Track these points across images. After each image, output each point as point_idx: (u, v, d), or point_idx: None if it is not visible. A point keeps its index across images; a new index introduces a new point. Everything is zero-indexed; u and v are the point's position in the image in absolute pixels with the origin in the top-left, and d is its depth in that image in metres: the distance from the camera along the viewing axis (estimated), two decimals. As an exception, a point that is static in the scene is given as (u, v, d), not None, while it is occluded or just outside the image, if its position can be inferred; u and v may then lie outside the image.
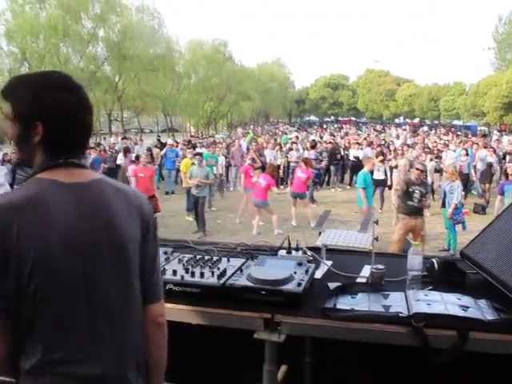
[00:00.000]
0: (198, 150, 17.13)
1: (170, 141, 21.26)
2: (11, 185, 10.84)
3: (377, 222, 2.66)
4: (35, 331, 1.36)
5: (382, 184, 12.95)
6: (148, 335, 1.57)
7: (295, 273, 2.27)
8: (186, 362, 2.45)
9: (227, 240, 3.62)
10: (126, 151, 16.55)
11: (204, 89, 40.86)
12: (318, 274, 2.52)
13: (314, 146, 16.48)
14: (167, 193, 16.30)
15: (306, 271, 2.33)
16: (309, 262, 2.53)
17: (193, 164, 11.62)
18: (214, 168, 14.19)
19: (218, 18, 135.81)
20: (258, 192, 10.58)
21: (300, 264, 2.42)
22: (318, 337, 2.15)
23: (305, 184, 11.73)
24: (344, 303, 2.17)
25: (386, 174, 13.14)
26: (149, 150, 17.45)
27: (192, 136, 34.97)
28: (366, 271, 2.53)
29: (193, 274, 2.29)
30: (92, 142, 24.92)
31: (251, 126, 51.56)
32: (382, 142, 22.83)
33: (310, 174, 12.02)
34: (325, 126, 53.39)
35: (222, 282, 2.21)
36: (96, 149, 18.63)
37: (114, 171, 16.24)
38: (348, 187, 17.41)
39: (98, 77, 30.82)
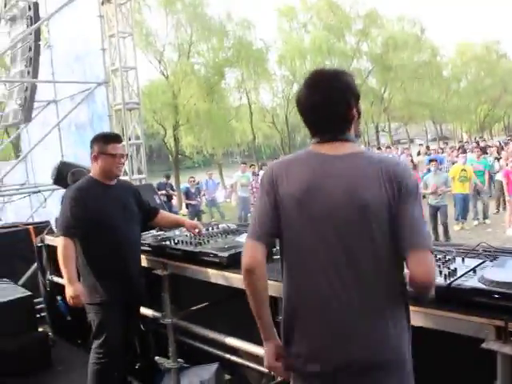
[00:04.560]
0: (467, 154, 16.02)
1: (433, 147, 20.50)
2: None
3: None
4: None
5: None
6: None
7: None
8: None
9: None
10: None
11: (475, 92, 38.10)
12: None
13: None
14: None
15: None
16: None
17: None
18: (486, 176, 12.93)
19: (488, 17, 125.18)
20: None
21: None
22: None
23: None
24: None
25: None
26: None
27: (465, 142, 32.90)
28: None
29: (419, 273, 2.12)
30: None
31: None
32: None
33: None
34: None
35: (448, 282, 1.98)
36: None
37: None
38: None
39: (364, 90, 31.43)
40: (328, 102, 1.76)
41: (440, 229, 10.08)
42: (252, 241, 1.79)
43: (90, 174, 3.40)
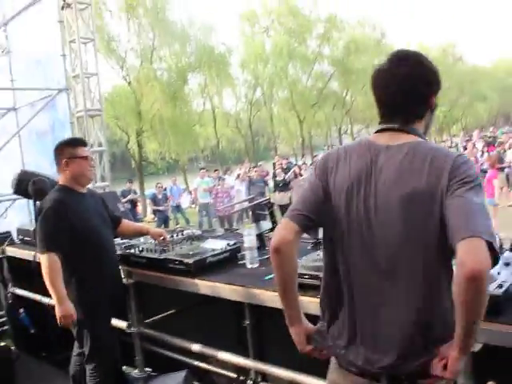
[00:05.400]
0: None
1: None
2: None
3: None
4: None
5: None
6: None
7: (499, 273, 1.97)
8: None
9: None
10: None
11: (435, 94, 38.99)
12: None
13: None
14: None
15: (514, 272, 2.00)
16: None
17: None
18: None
19: (444, 21, 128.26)
20: None
21: (508, 264, 2.09)
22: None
23: None
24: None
25: None
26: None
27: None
28: None
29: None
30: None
31: (491, 129, 47.37)
32: None
33: None
34: None
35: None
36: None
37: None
38: None
39: (326, 93, 31.78)
40: (413, 75, 1.60)
41: None
42: (285, 219, 1.68)
43: (61, 183, 3.18)
